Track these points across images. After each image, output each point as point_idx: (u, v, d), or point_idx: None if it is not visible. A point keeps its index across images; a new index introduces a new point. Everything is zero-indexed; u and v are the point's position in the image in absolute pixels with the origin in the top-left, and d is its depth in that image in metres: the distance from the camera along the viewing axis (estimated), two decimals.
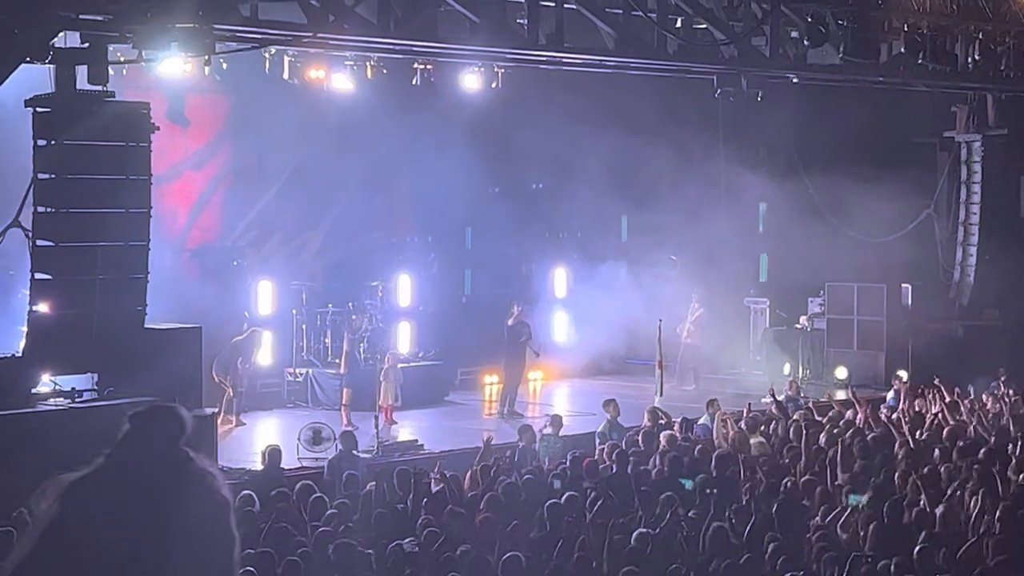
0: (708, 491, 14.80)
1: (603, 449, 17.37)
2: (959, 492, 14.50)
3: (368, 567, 12.18)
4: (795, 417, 19.39)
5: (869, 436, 17.95)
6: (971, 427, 18.76)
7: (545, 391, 26.51)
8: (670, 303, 25.92)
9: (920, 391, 21.03)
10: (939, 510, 13.89)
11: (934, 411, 19.70)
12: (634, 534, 12.84)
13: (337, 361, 23.36)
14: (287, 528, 12.92)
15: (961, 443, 17.21)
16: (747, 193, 28.56)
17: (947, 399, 20.02)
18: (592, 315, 26.87)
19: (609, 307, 26.13)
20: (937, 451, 16.93)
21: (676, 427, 18.71)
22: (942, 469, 15.66)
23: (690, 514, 13.87)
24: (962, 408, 19.84)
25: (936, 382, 20.42)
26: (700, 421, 19.33)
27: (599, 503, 14.17)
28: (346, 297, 24.78)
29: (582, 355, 27.59)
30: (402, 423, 22.14)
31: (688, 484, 15.34)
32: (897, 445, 17.50)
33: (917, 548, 12.29)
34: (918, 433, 18.32)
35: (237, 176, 24.73)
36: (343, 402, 22.14)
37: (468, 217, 27.42)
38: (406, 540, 12.67)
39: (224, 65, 20.19)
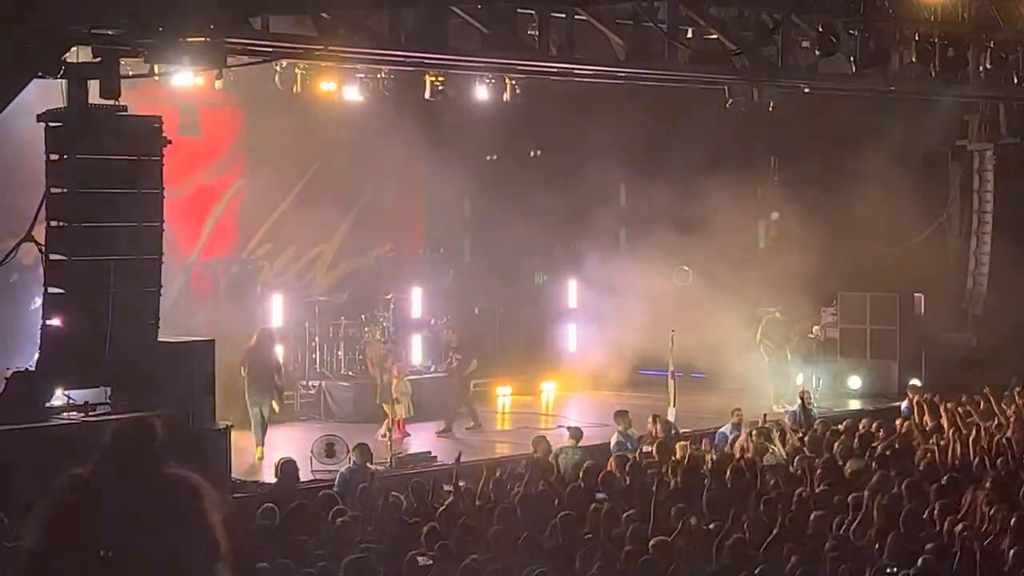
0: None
1: (613, 460, 17.31)
2: (977, 501, 14.43)
3: None
4: (808, 427, 19.35)
5: (882, 445, 17.91)
6: (987, 436, 18.69)
7: (559, 402, 26.44)
8: (683, 314, 25.80)
9: (934, 399, 20.98)
10: (957, 520, 13.83)
11: (949, 420, 19.64)
12: (650, 544, 12.80)
13: (351, 373, 23.32)
14: (305, 541, 12.91)
15: (978, 452, 17.15)
16: (757, 202, 28.43)
17: (962, 409, 19.97)
18: (605, 327, 26.79)
19: (622, 318, 26.05)
20: (953, 460, 16.86)
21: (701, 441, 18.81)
22: (959, 478, 15.59)
23: (710, 527, 13.79)
24: (978, 417, 19.78)
25: (963, 400, 20.43)
26: (720, 429, 19.29)
27: (611, 514, 14.12)
28: (359, 310, 24.77)
29: (595, 366, 27.49)
30: (415, 435, 22.11)
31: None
32: (913, 454, 17.44)
33: (947, 559, 12.21)
34: (934, 442, 18.25)
35: (250, 189, 24.77)
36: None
37: (481, 228, 27.38)
38: (419, 553, 12.63)
39: (232, 78, 20.20)
